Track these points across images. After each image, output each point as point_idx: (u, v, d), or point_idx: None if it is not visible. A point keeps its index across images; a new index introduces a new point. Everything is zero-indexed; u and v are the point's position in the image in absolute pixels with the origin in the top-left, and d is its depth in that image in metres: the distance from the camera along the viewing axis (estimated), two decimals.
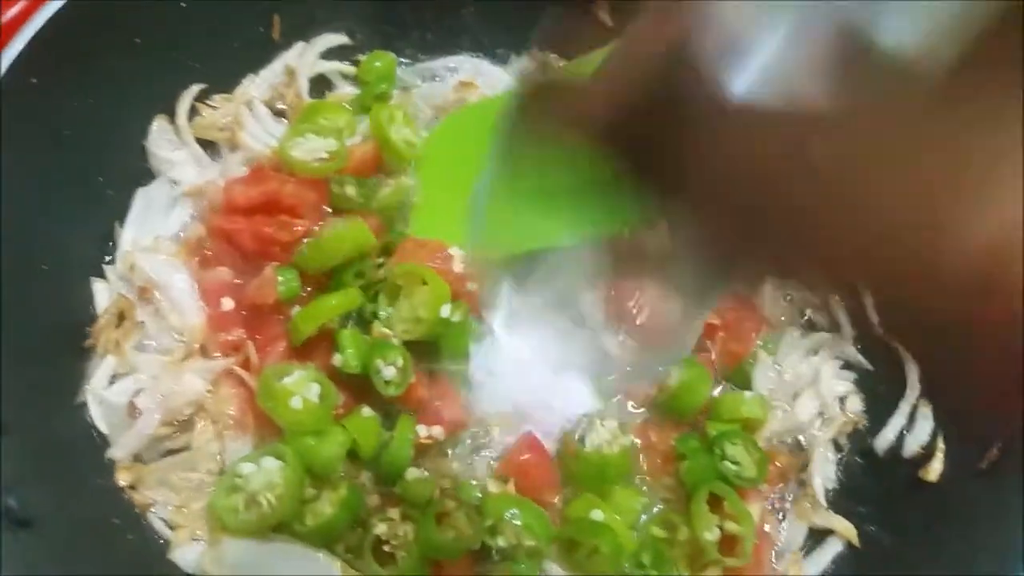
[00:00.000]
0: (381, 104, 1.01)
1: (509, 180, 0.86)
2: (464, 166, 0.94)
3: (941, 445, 0.85)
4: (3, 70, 0.78)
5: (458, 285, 0.86)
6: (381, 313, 0.84)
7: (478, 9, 1.08)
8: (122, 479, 0.80)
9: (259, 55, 1.02)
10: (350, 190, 0.92)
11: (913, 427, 0.88)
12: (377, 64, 1.04)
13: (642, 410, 0.90)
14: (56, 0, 0.81)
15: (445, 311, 0.83)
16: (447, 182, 0.95)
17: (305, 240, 0.87)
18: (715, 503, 0.82)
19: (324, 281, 0.88)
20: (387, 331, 0.83)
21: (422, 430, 0.83)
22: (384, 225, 0.92)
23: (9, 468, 0.71)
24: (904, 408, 0.90)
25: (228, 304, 0.86)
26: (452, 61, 1.08)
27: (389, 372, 0.82)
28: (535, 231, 0.87)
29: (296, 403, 0.78)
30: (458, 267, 0.86)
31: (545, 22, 1.06)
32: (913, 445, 0.87)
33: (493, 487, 0.83)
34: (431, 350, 0.86)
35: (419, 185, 0.96)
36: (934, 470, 0.84)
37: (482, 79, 1.05)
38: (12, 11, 1.07)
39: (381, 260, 0.89)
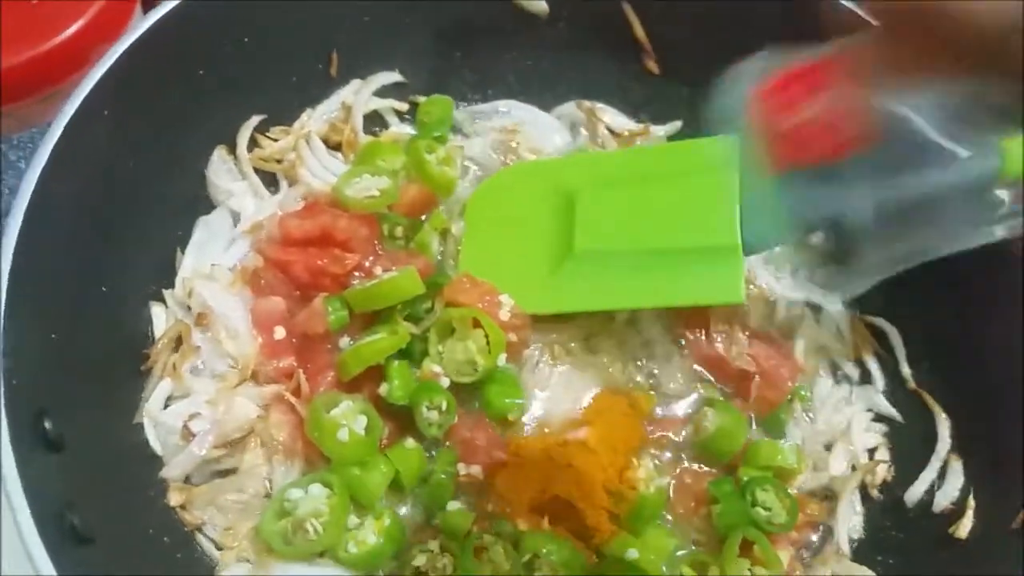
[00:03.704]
0: (422, 138, 1.04)
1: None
2: (509, 222, 0.98)
3: (972, 502, 0.85)
4: (80, 102, 0.81)
5: (504, 332, 0.88)
6: (432, 351, 0.87)
7: (528, 56, 1.10)
8: (173, 499, 0.82)
9: (317, 90, 1.06)
10: (399, 229, 0.95)
11: (944, 482, 0.89)
12: (435, 108, 1.07)
13: (676, 453, 0.92)
14: (128, 36, 0.85)
15: (502, 360, 0.86)
16: (493, 233, 0.97)
17: (356, 275, 0.90)
18: (745, 547, 0.83)
19: (371, 315, 0.90)
20: (438, 369, 0.86)
21: (461, 468, 0.85)
22: (431, 266, 0.95)
23: (66, 485, 0.72)
24: (935, 463, 0.90)
25: (280, 332, 0.89)
26: (501, 105, 1.11)
27: (433, 415, 0.85)
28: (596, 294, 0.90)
29: (343, 435, 0.81)
30: (505, 315, 0.88)
31: (594, 70, 1.09)
32: (943, 501, 0.88)
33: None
34: (473, 391, 0.88)
35: (466, 232, 0.99)
36: (964, 527, 0.84)
37: (528, 125, 1.08)
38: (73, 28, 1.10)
39: (429, 304, 0.90)
